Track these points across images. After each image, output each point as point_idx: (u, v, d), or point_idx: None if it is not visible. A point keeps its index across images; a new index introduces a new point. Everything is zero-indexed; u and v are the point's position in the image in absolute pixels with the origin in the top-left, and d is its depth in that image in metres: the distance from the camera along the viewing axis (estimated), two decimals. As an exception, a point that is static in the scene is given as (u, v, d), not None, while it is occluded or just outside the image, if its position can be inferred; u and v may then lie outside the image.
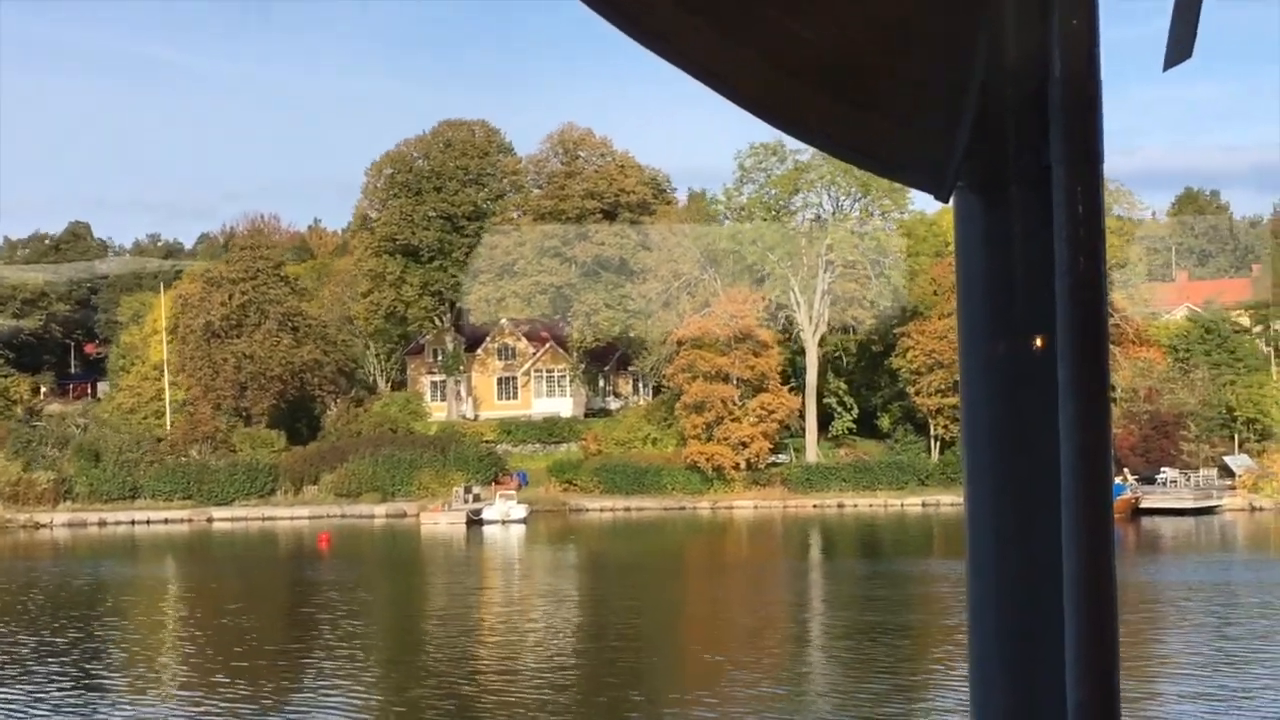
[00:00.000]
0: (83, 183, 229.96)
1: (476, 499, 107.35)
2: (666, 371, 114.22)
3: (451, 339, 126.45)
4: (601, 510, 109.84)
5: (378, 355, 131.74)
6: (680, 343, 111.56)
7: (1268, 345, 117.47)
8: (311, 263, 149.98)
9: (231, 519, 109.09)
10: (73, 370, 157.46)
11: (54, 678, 46.16)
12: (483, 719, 39.92)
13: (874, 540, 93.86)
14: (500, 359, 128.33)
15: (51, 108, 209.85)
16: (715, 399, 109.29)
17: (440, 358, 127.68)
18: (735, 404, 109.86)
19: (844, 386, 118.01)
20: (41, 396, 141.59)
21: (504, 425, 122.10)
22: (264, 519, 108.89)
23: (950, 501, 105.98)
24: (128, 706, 41.72)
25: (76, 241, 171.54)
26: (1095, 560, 1.99)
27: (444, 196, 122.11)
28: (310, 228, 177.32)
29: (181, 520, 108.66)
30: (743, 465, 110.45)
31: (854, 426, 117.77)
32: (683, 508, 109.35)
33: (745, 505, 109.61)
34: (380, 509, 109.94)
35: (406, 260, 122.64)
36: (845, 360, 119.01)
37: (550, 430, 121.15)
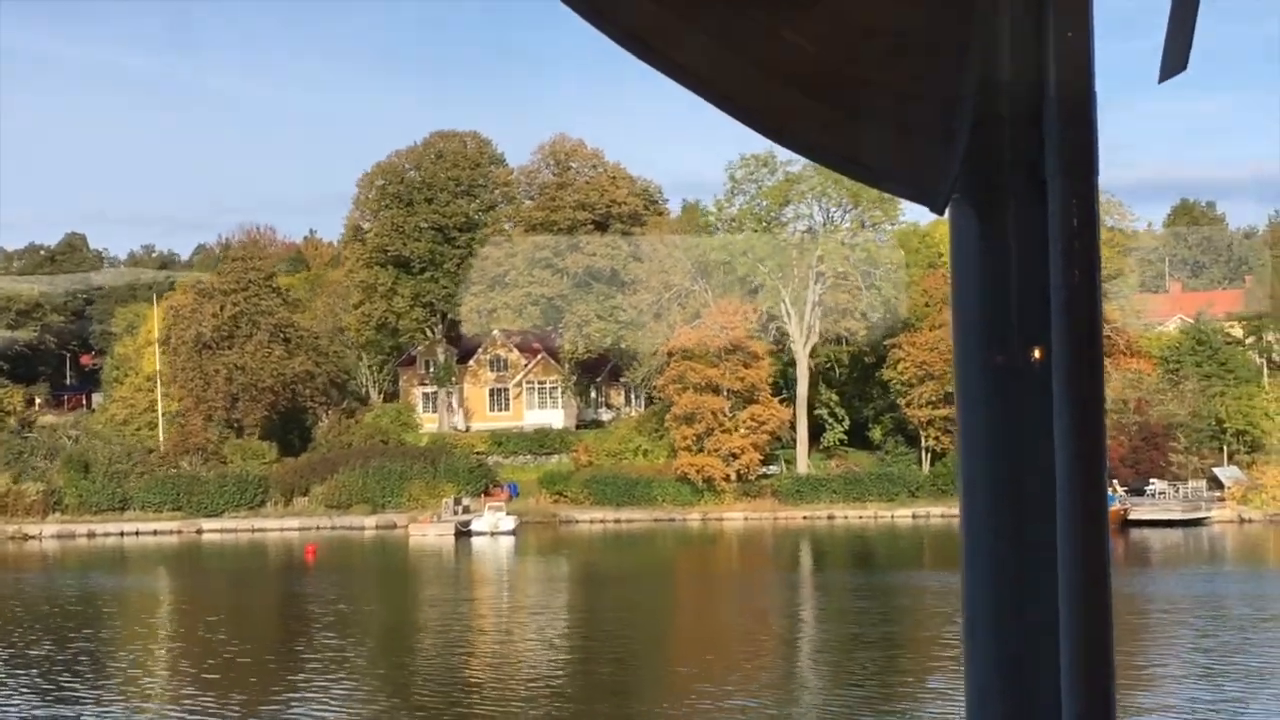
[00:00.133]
0: (82, 195, 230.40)
1: (466, 510, 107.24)
2: (657, 383, 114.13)
3: (443, 350, 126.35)
4: (591, 522, 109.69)
5: (370, 366, 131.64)
6: (671, 354, 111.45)
7: (1261, 356, 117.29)
8: (305, 274, 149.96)
9: (221, 530, 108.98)
10: (68, 381, 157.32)
11: (21, 690, 46.06)
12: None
13: (863, 552, 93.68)
14: (492, 370, 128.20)
15: (51, 120, 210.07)
16: (706, 410, 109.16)
17: (432, 369, 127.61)
18: (726, 415, 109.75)
19: (835, 398, 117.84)
20: (36, 408, 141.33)
21: (495, 436, 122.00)
22: (253, 530, 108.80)
23: (940, 513, 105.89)
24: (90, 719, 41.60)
25: (72, 253, 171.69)
26: (1091, 572, 2.00)
27: (435, 208, 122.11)
28: (306, 239, 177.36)
29: (171, 532, 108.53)
30: (733, 477, 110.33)
31: (845, 438, 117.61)
32: (673, 519, 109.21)
33: (735, 517, 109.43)
34: (370, 520, 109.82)
35: (398, 271, 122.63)
36: (838, 371, 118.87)
37: (541, 442, 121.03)
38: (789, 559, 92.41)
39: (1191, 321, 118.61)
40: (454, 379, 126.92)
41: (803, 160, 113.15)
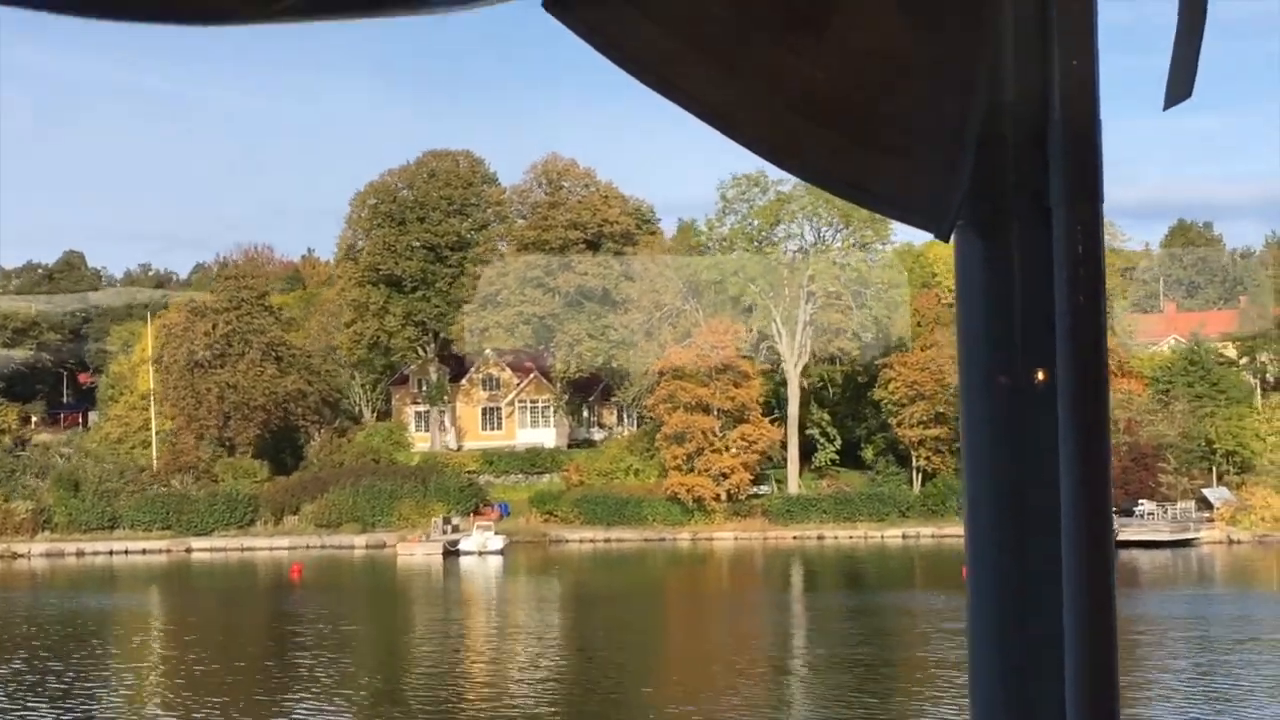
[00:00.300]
0: (83, 212, 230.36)
1: (455, 530, 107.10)
2: (648, 402, 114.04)
3: (435, 369, 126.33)
4: (581, 541, 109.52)
5: (363, 385, 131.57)
6: (661, 373, 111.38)
7: (1255, 377, 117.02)
8: (300, 292, 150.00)
9: (210, 549, 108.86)
10: (65, 400, 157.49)
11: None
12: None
13: (852, 572, 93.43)
14: (484, 389, 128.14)
15: (52, 138, 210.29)
16: (696, 430, 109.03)
17: (424, 388, 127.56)
18: (716, 435, 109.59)
19: (827, 417, 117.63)
20: (32, 426, 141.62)
21: (487, 456, 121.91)
22: (243, 549, 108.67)
23: (930, 533, 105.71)
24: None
25: (70, 271, 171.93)
26: (1096, 595, 2.01)
27: (427, 226, 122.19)
28: (303, 258, 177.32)
29: (160, 551, 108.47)
30: (723, 496, 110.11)
31: (837, 457, 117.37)
32: (662, 539, 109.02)
33: (725, 537, 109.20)
34: (360, 539, 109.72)
35: (390, 290, 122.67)
36: (830, 391, 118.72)
37: (533, 461, 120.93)
38: (778, 579, 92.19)
39: (1184, 342, 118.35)
40: (446, 398, 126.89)
41: (793, 179, 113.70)
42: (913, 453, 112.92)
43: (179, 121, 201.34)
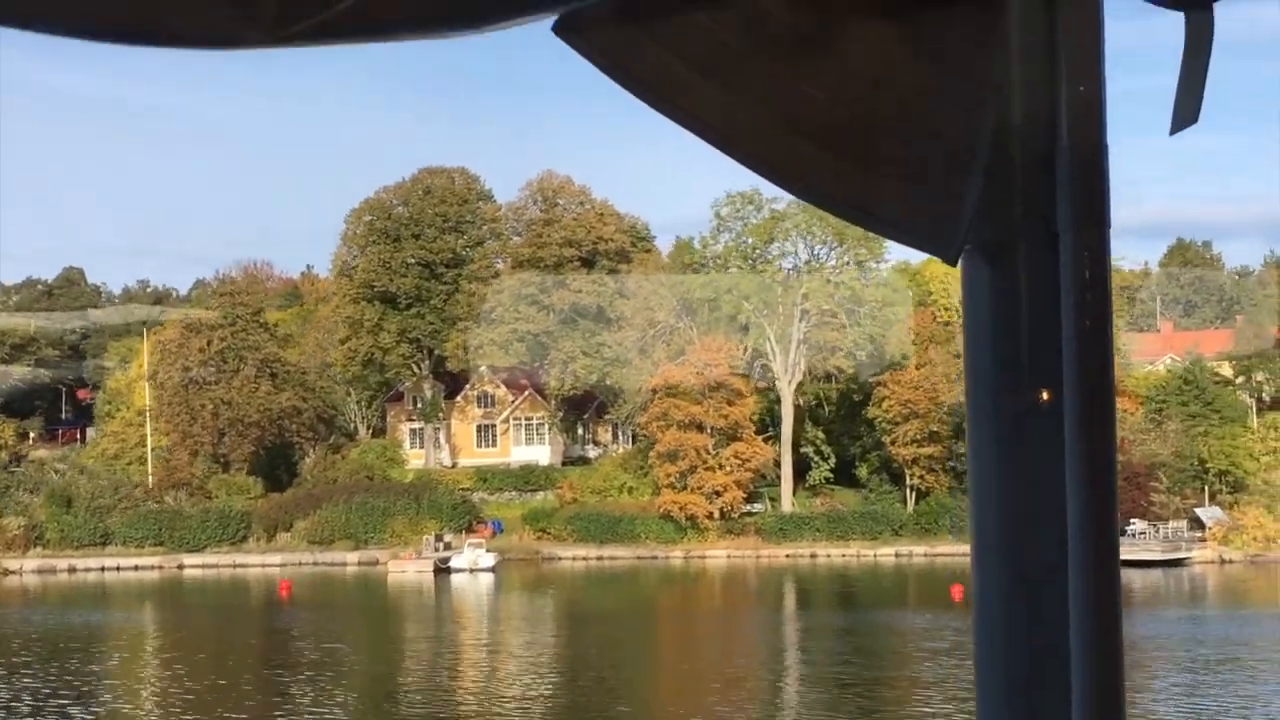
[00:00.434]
0: (85, 229, 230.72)
1: (447, 547, 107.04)
2: (640, 420, 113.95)
3: (430, 386, 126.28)
4: (574, 559, 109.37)
5: (359, 402, 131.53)
6: (655, 391, 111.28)
7: (1251, 396, 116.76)
8: (298, 309, 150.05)
9: (202, 566, 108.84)
10: (64, 416, 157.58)
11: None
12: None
13: (841, 592, 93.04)
14: (480, 406, 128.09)
15: (53, 154, 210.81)
16: (689, 447, 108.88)
17: (419, 405, 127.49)
18: (709, 453, 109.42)
19: (822, 435, 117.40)
20: (30, 442, 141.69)
21: (481, 473, 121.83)
22: (235, 566, 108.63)
23: (923, 552, 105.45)
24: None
25: (70, 287, 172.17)
26: (1103, 617, 2.02)
27: (423, 243, 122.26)
28: (303, 274, 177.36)
29: (152, 567, 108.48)
30: (716, 514, 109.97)
31: (831, 475, 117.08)
32: (655, 557, 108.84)
33: (718, 555, 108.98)
34: (352, 556, 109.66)
35: (384, 307, 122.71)
36: (826, 409, 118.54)
37: (527, 478, 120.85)
38: (770, 598, 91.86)
39: (1181, 361, 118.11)
40: (441, 415, 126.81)
41: (788, 197, 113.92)
42: (906, 471, 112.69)
43: (183, 138, 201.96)
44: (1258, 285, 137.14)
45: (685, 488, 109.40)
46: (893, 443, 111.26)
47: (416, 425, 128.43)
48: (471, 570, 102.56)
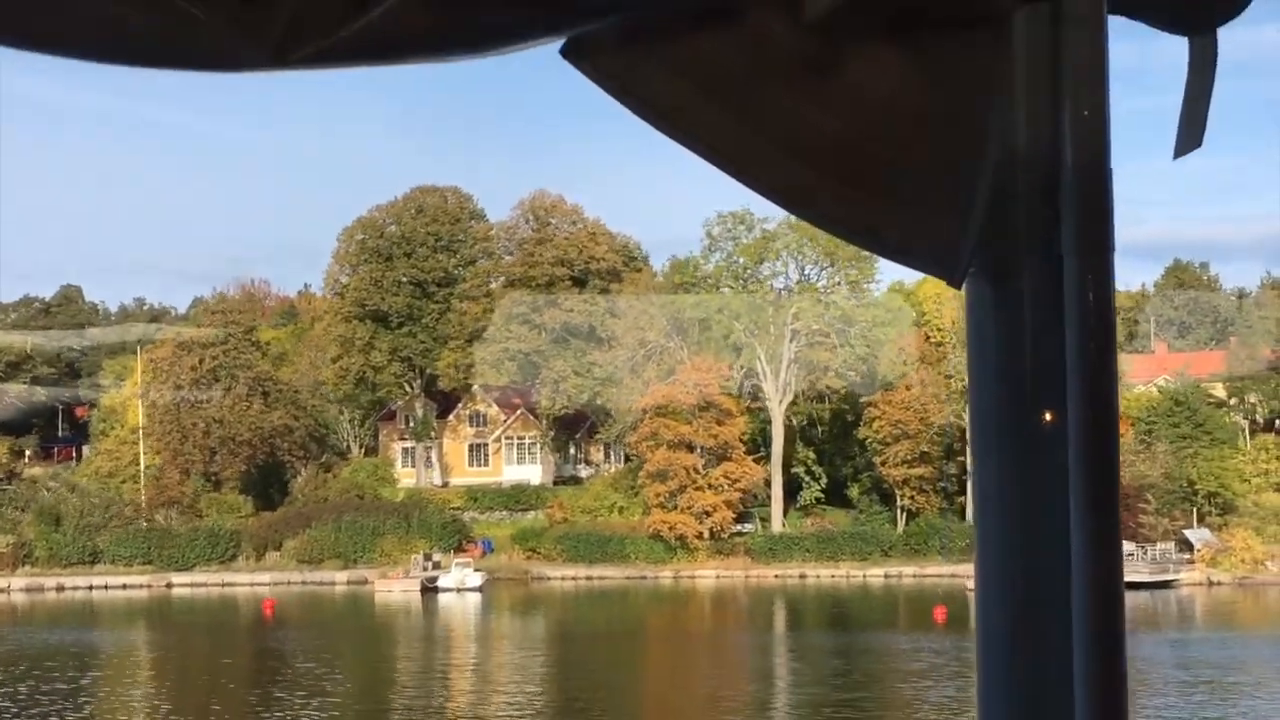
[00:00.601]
0: (84, 247, 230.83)
1: (436, 566, 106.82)
2: (631, 439, 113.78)
3: (422, 405, 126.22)
4: (563, 579, 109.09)
5: (351, 421, 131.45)
6: (645, 410, 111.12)
7: (1244, 418, 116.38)
8: (292, 327, 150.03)
9: (191, 585, 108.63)
10: (60, 434, 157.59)
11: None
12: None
13: (829, 613, 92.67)
14: (471, 425, 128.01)
15: (53, 171, 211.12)
16: (679, 467, 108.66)
17: (411, 424, 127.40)
18: (699, 472, 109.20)
19: (813, 455, 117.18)
20: (25, 459, 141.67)
21: (472, 492, 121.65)
22: (223, 585, 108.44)
23: (913, 573, 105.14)
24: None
25: (68, 305, 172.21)
26: (1106, 638, 2.02)
27: (414, 262, 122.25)
28: (300, 293, 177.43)
29: (140, 586, 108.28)
30: (706, 534, 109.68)
31: (822, 496, 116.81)
32: (644, 577, 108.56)
33: (707, 575, 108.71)
34: (341, 575, 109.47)
35: (376, 326, 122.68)
36: (818, 429, 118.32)
37: (518, 498, 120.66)
38: (760, 619, 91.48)
39: (1174, 382, 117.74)
40: (433, 434, 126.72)
41: (778, 217, 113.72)
42: (897, 492, 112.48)
43: (186, 155, 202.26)
44: (1253, 307, 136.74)
45: (675, 507, 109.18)
46: (883, 463, 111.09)
47: (408, 444, 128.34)
48: (459, 590, 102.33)
